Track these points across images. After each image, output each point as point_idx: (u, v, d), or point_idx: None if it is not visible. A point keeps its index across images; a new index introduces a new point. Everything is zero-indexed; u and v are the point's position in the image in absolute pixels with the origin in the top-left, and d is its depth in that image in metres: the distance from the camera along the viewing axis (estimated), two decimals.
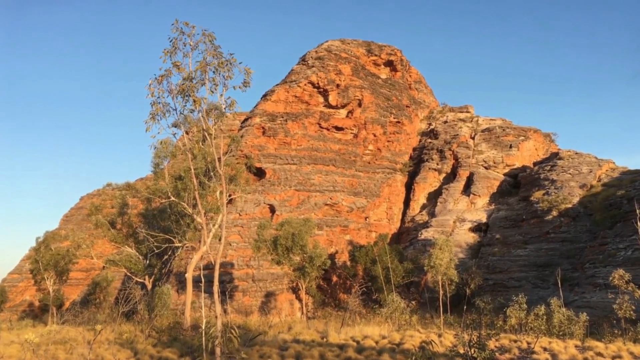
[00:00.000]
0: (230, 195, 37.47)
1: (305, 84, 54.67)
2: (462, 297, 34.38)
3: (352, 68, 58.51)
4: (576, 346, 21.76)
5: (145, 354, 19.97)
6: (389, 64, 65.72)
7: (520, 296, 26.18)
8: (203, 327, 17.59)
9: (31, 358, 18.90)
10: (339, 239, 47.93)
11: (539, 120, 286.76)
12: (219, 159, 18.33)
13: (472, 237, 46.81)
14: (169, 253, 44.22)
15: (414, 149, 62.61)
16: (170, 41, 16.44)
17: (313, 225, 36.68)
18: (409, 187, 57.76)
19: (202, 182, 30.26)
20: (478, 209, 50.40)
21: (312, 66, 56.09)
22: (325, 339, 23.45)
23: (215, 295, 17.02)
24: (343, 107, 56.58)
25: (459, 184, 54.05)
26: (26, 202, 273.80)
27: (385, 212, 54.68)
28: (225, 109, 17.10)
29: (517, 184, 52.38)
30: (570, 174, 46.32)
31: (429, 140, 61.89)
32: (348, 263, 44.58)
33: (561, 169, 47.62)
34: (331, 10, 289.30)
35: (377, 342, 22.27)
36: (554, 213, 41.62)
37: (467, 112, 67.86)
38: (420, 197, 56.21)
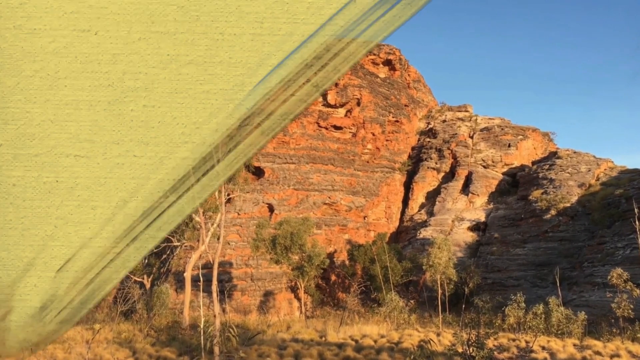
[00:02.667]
0: (228, 195, 37.40)
1: None
2: (461, 296, 34.39)
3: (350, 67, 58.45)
4: (574, 345, 21.80)
5: (144, 353, 19.95)
6: (388, 63, 65.68)
7: (518, 295, 26.25)
8: (202, 326, 17.59)
9: (29, 357, 18.85)
10: (337, 238, 47.92)
11: (538, 120, 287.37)
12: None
13: (470, 236, 46.84)
14: (168, 252, 44.14)
15: (413, 148, 62.61)
16: None
17: (312, 225, 36.65)
18: (408, 186, 57.77)
19: None
20: (477, 208, 50.43)
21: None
22: (323, 338, 23.45)
23: (214, 295, 17.03)
24: (342, 106, 56.56)
25: (458, 183, 54.06)
26: None
27: (383, 211, 54.68)
28: None
29: (516, 183, 52.40)
30: (568, 173, 46.35)
31: (428, 139, 61.89)
32: (347, 262, 44.55)
33: (560, 168, 47.65)
34: None
35: (375, 341, 22.26)
36: (553, 212, 41.67)
37: (466, 111, 67.80)
38: (418, 196, 56.23)
